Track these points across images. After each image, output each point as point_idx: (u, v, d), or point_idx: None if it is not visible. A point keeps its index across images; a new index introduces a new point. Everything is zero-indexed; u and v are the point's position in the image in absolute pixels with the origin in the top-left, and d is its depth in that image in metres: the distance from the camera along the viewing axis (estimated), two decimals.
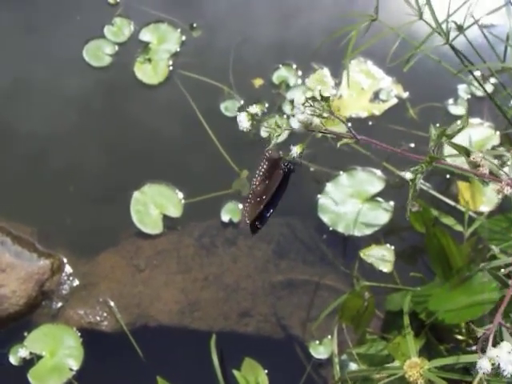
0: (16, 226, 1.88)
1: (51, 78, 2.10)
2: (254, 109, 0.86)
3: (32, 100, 2.07)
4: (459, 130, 0.82)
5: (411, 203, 0.86)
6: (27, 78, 2.10)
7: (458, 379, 0.94)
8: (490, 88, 1.86)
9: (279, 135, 0.85)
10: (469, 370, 0.83)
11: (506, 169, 0.83)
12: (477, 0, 1.31)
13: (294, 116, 0.86)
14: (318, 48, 1.76)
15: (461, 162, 0.89)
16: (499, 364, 0.76)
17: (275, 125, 0.85)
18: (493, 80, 1.83)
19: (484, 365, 0.77)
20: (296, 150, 0.87)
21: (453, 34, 1.34)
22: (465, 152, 0.82)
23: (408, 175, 0.84)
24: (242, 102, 1.98)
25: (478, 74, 1.77)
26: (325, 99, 0.84)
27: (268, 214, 0.97)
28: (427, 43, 1.34)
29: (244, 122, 0.86)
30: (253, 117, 0.85)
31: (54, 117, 2.04)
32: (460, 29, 1.33)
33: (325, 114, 0.84)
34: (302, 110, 0.84)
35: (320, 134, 1.93)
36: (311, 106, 0.83)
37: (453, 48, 1.36)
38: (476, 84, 1.91)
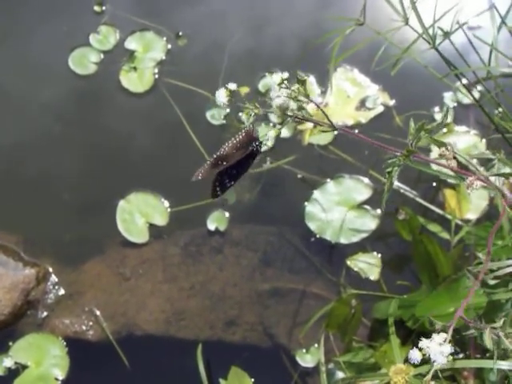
0: (1, 235, 1.87)
1: (36, 86, 2.09)
2: (233, 85, 0.86)
3: (16, 109, 2.06)
4: (438, 126, 0.82)
5: (387, 195, 0.85)
6: (10, 87, 2.09)
7: None
8: (476, 95, 1.86)
9: (255, 115, 0.85)
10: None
11: (493, 170, 0.83)
12: (462, 6, 1.32)
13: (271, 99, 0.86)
14: (304, 53, 1.75)
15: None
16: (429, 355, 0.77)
17: (252, 105, 0.85)
18: (479, 88, 1.84)
19: (414, 355, 0.77)
20: (271, 135, 0.87)
21: (438, 41, 1.35)
22: (440, 145, 0.81)
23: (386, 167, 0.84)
24: (228, 110, 1.98)
25: (464, 81, 1.78)
26: (301, 82, 0.83)
27: (228, 183, 0.98)
28: (412, 50, 1.34)
29: (222, 97, 0.86)
30: (231, 93, 0.85)
31: (39, 125, 2.03)
32: (446, 34, 1.33)
33: (300, 98, 0.84)
34: (278, 92, 0.84)
35: (307, 142, 1.94)
36: (287, 87, 0.83)
37: (439, 52, 1.36)
38: (462, 92, 1.91)
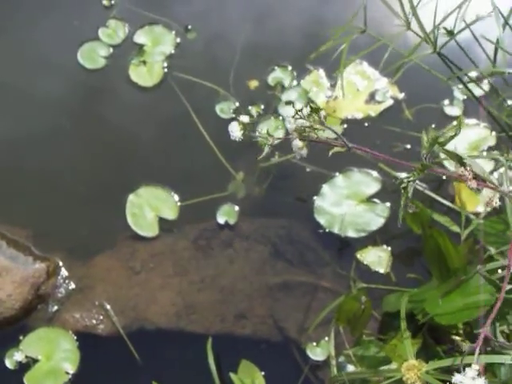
0: (11, 230, 1.87)
1: (46, 81, 2.09)
2: (246, 118, 0.85)
3: (26, 103, 2.06)
4: (452, 138, 0.81)
5: (404, 210, 0.85)
6: (20, 81, 2.09)
7: None
8: (485, 89, 1.86)
9: (271, 144, 0.84)
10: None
11: (500, 172, 0.83)
12: (467, 5, 1.31)
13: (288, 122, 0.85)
14: (316, 56, 1.73)
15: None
16: None
17: (267, 133, 0.84)
18: (487, 82, 1.83)
19: None
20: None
21: (444, 39, 1.35)
22: (456, 158, 0.81)
23: (401, 183, 0.84)
24: (238, 104, 1.98)
25: (474, 74, 1.77)
26: (315, 110, 0.83)
27: None
28: (419, 49, 1.34)
29: (236, 132, 0.85)
30: (244, 126, 0.84)
31: (48, 120, 2.03)
32: (450, 34, 1.33)
33: (316, 126, 0.83)
34: (293, 122, 0.83)
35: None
36: (301, 118, 0.82)
37: (441, 56, 1.36)
38: (471, 85, 1.91)
